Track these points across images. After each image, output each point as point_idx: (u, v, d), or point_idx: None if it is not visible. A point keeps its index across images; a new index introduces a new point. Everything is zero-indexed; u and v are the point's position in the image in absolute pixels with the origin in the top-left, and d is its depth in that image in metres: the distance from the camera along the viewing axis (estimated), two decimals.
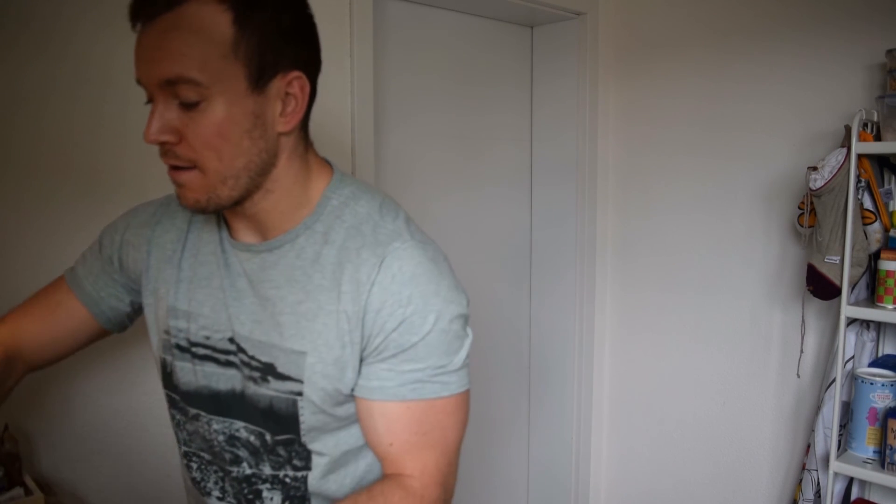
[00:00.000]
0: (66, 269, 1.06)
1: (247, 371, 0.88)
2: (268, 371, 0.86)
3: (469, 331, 0.90)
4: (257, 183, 0.83)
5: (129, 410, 1.42)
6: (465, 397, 0.90)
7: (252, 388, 0.88)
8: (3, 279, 1.26)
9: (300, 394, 0.85)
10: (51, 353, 1.03)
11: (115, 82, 1.35)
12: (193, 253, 0.93)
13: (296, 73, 0.81)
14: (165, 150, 0.79)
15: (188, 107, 0.76)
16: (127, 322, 1.07)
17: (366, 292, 0.82)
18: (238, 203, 0.83)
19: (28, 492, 1.09)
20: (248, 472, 0.91)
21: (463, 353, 0.88)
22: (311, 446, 0.88)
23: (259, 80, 0.78)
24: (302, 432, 0.87)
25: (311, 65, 0.84)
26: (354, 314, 0.83)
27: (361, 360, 0.85)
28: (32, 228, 1.29)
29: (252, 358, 0.87)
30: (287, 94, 0.81)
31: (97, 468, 1.39)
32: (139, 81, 0.79)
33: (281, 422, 0.87)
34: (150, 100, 0.79)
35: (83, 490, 1.37)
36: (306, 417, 0.86)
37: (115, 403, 1.40)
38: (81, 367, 1.35)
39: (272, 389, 0.86)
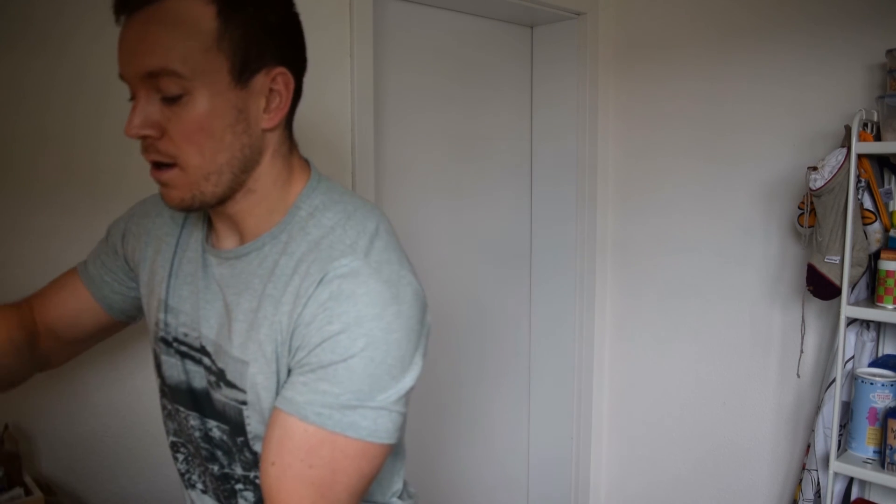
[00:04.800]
0: (68, 265, 1.07)
1: (207, 374, 0.88)
2: (220, 377, 0.86)
3: (411, 378, 0.80)
4: (240, 180, 0.81)
5: (128, 411, 1.42)
6: (374, 449, 0.77)
7: (210, 391, 0.88)
8: (2, 279, 1.26)
9: (245, 403, 0.84)
10: (59, 335, 1.02)
11: (115, 81, 1.34)
12: (184, 249, 0.94)
13: (280, 70, 0.80)
14: (147, 145, 0.78)
15: (170, 101, 0.75)
16: (135, 312, 1.06)
17: (301, 305, 0.78)
18: (222, 202, 0.82)
19: (28, 492, 1.09)
20: (224, 470, 0.91)
21: (392, 395, 0.77)
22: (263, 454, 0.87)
23: (242, 73, 0.77)
24: (250, 440, 0.86)
25: (295, 63, 0.83)
26: (287, 326, 0.79)
27: (289, 373, 0.81)
28: (33, 228, 1.29)
29: (213, 362, 0.87)
30: (271, 90, 0.80)
31: (97, 468, 1.39)
32: (122, 76, 0.78)
33: (233, 426, 0.87)
34: (134, 96, 0.78)
35: (83, 490, 1.37)
36: (252, 426, 0.85)
37: (115, 404, 1.40)
38: (81, 368, 1.35)
39: (223, 395, 0.86)
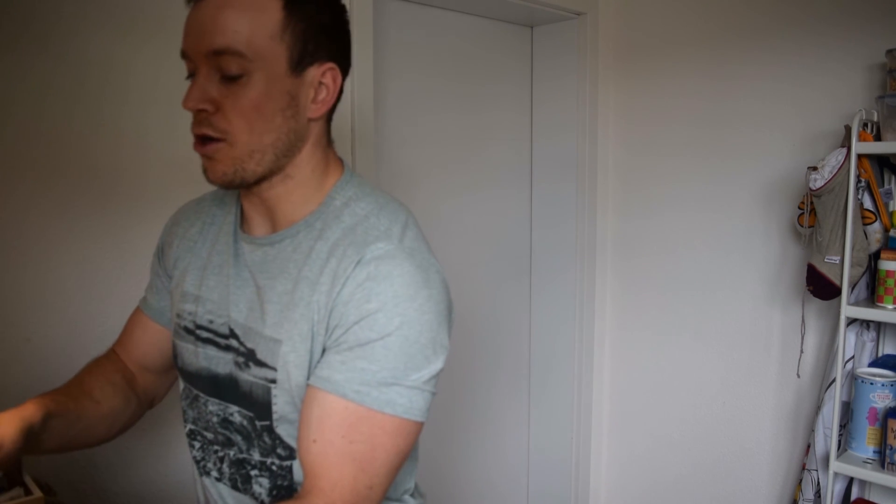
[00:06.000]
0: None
1: (234, 356, 0.91)
2: (250, 357, 0.89)
3: (441, 360, 0.84)
4: (281, 164, 0.87)
5: None
6: (410, 426, 0.82)
7: (237, 373, 0.91)
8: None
9: (274, 381, 0.87)
10: (151, 368, 1.10)
11: (114, 82, 1.35)
12: (213, 242, 0.98)
13: (330, 65, 0.87)
14: (200, 118, 0.83)
15: (229, 80, 0.81)
16: None
17: (339, 285, 0.83)
18: (259, 182, 0.87)
19: (28, 492, 1.09)
20: (241, 455, 0.93)
21: (425, 374, 0.82)
22: (285, 439, 0.90)
23: (298, 63, 0.84)
24: (274, 421, 0.89)
25: (343, 62, 0.90)
26: (325, 306, 0.83)
27: (323, 352, 0.85)
28: (27, 227, 1.29)
29: (241, 344, 0.90)
30: (321, 83, 0.87)
31: (97, 468, 1.39)
32: (184, 54, 0.84)
33: (257, 408, 0.90)
34: (191, 74, 0.84)
35: (83, 490, 1.37)
36: (279, 406, 0.88)
37: None
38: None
39: (252, 375, 0.89)
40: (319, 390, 0.82)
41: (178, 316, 0.98)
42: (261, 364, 0.88)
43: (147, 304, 1.09)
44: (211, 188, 1.03)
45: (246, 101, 0.81)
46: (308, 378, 0.85)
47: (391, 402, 0.80)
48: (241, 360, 0.90)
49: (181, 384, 1.02)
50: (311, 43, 0.84)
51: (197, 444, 1.00)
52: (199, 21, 0.81)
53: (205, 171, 0.86)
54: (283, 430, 0.89)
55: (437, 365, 0.84)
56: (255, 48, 0.80)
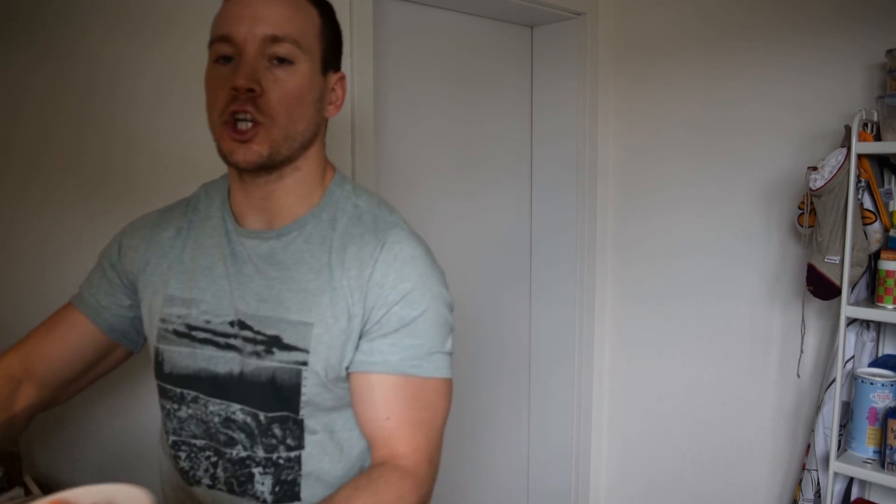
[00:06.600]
0: (70, 265, 1.09)
1: (250, 347, 0.92)
2: (273, 343, 0.91)
3: (451, 326, 0.96)
4: (298, 154, 0.92)
5: (128, 410, 1.42)
6: (450, 384, 0.95)
7: (253, 364, 0.91)
8: (6, 279, 1.26)
9: (305, 363, 0.90)
10: (63, 373, 1.04)
11: (123, 84, 1.35)
12: (195, 246, 0.98)
13: (342, 74, 0.98)
14: (245, 98, 0.85)
15: (277, 66, 0.87)
16: (134, 335, 1.08)
17: (369, 268, 0.90)
18: (279, 166, 0.91)
19: (28, 492, 1.09)
20: (243, 454, 0.94)
21: (449, 342, 0.94)
22: (306, 422, 0.92)
23: (326, 66, 0.94)
24: (301, 405, 0.91)
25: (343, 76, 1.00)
26: (358, 288, 0.90)
27: (361, 336, 0.91)
28: (36, 227, 1.29)
29: (258, 333, 0.92)
30: (334, 88, 0.96)
31: (96, 468, 1.39)
32: (227, 38, 0.87)
33: (280, 395, 0.91)
34: (223, 58, 0.88)
35: None
36: (308, 389, 0.90)
37: (114, 403, 1.40)
38: None
39: (276, 361, 0.91)
40: (377, 374, 0.90)
41: (164, 321, 0.97)
42: (289, 348, 0.91)
43: (83, 300, 1.04)
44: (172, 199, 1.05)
45: (292, 86, 0.87)
46: (346, 360, 0.90)
47: (439, 368, 0.92)
48: (260, 348, 0.92)
49: (160, 397, 1.00)
50: (332, 50, 0.94)
51: (182, 455, 0.99)
52: (255, 8, 0.87)
53: (231, 153, 0.87)
54: (306, 413, 0.92)
55: (453, 331, 0.97)
56: (305, 41, 0.89)
